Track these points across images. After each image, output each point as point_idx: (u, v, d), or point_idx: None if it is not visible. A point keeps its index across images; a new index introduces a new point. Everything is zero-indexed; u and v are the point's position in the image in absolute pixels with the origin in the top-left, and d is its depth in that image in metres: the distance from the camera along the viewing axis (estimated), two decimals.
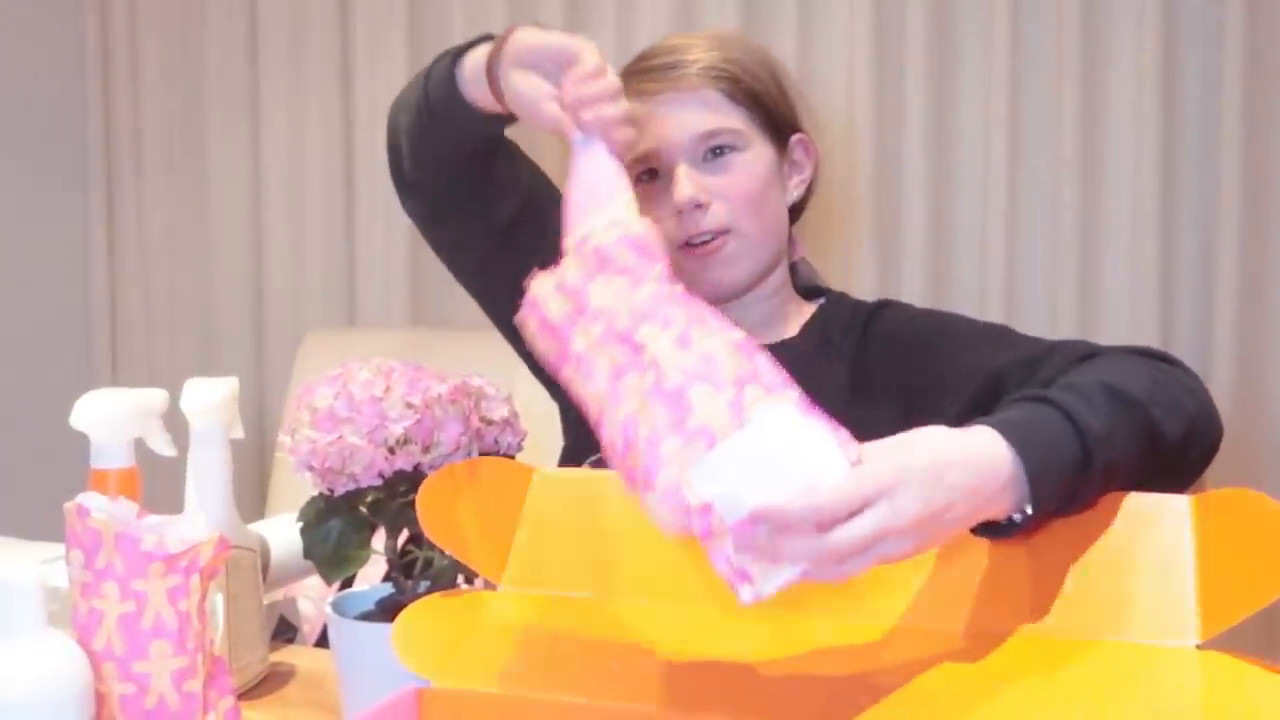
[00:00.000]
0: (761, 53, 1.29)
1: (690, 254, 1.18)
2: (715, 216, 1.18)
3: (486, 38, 1.11)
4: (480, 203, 1.24)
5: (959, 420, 1.10)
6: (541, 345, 0.78)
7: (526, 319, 0.79)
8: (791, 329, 1.26)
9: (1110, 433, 0.81)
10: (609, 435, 0.70)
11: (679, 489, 0.66)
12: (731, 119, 1.21)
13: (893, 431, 1.13)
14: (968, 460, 0.77)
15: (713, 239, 1.18)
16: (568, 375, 0.76)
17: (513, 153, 1.26)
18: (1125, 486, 0.81)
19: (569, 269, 0.80)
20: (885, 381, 1.17)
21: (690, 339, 0.72)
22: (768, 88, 1.25)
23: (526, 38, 1.04)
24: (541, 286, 0.80)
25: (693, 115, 1.20)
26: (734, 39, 1.30)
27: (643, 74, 1.23)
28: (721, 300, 1.23)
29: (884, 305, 1.25)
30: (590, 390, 0.72)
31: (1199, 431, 0.91)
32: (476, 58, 1.09)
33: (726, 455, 0.67)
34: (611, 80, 1.00)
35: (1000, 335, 1.15)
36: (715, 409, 0.68)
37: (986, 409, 1.05)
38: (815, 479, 0.67)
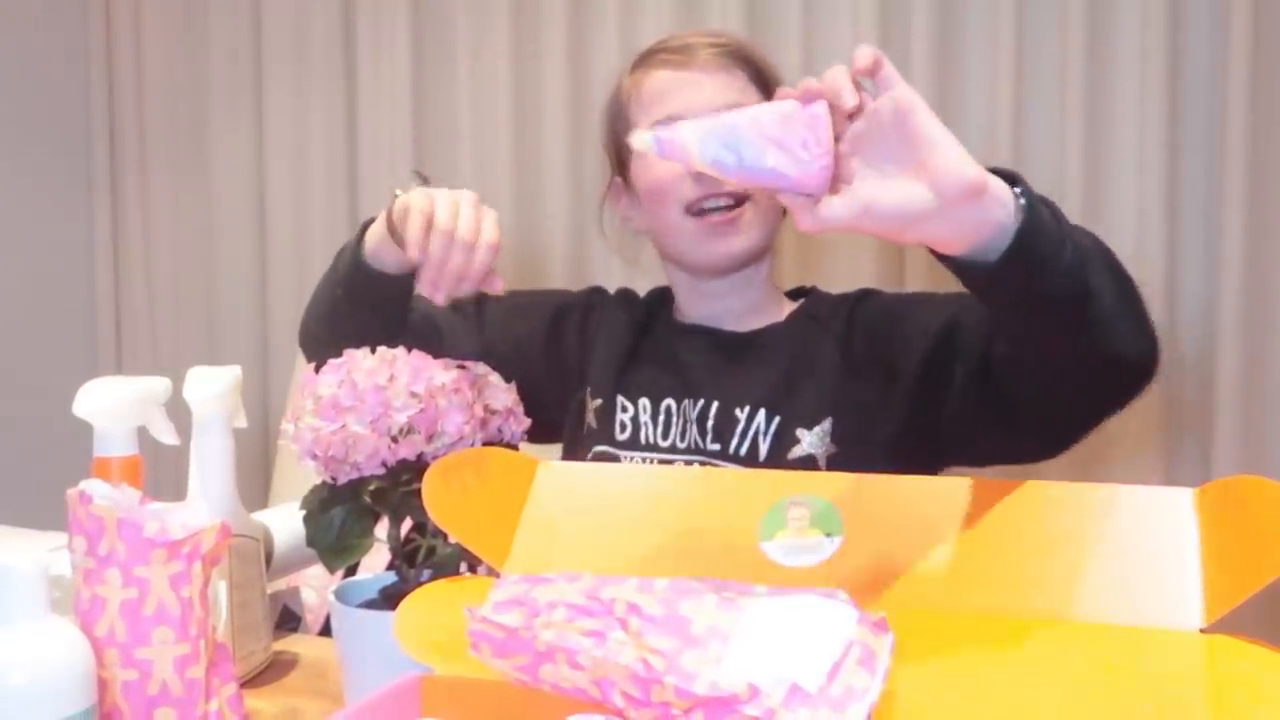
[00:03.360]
0: (770, 58, 1.34)
1: (706, 221, 1.22)
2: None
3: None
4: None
5: (921, 372, 1.15)
6: (510, 664, 0.74)
7: (480, 648, 0.75)
8: (780, 316, 1.30)
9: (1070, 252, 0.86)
10: (623, 690, 0.69)
11: (718, 686, 0.66)
12: (753, 100, 1.24)
13: (879, 401, 1.17)
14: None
15: (733, 206, 1.21)
16: (550, 673, 0.72)
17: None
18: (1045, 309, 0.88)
19: (499, 591, 0.77)
20: (869, 357, 1.23)
21: (650, 583, 0.73)
22: (774, 80, 1.28)
23: (398, 217, 1.09)
24: (481, 612, 0.75)
25: (718, 89, 1.23)
26: (749, 40, 1.35)
27: (666, 50, 1.27)
28: (726, 270, 1.26)
29: (866, 292, 1.30)
30: (584, 664, 0.70)
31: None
32: (375, 240, 1.15)
33: (747, 638, 0.68)
34: (440, 228, 1.04)
35: (962, 295, 1.16)
36: (709, 609, 0.69)
37: (944, 354, 1.09)
38: (823, 633, 0.68)
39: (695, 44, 1.26)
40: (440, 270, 1.04)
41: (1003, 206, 0.82)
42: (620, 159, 1.34)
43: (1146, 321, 0.96)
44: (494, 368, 1.04)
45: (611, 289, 1.44)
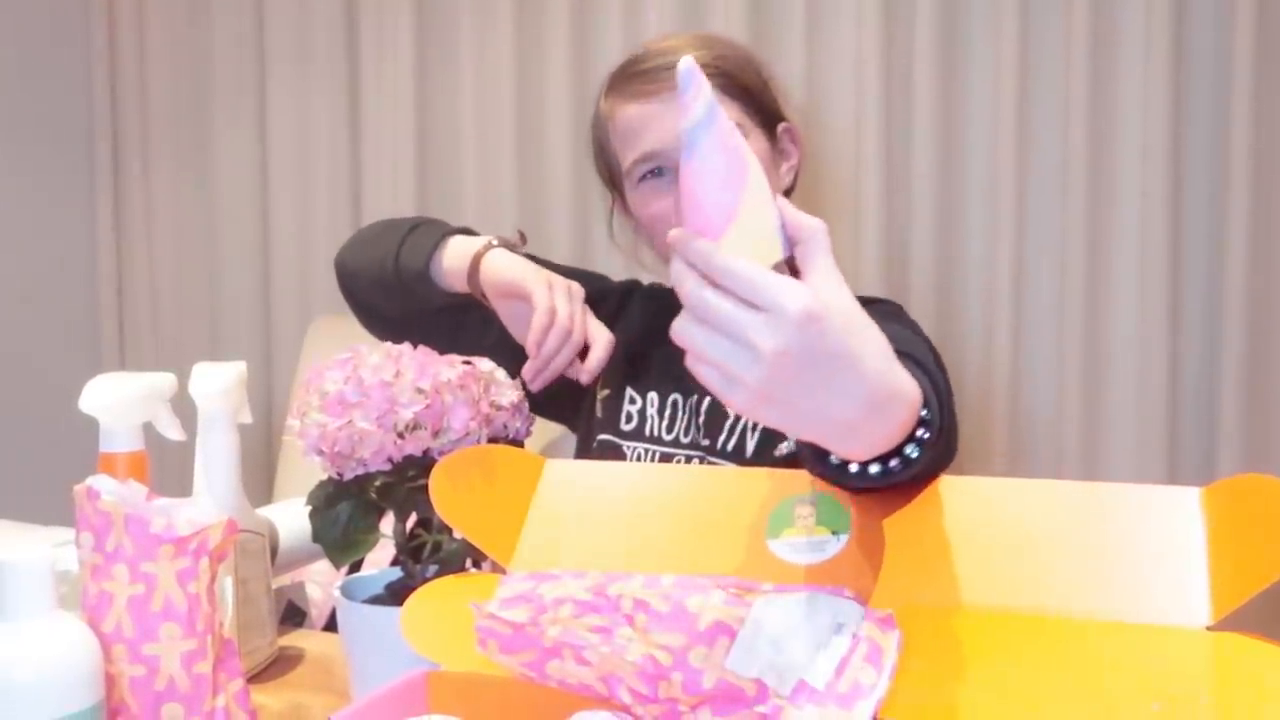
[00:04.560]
0: (745, 49, 1.34)
1: None
2: None
3: (449, 229, 1.25)
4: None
5: None
6: (517, 660, 0.74)
7: (487, 644, 0.75)
8: None
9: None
10: (630, 686, 0.69)
11: (725, 682, 0.66)
12: (729, 111, 1.24)
13: None
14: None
15: None
16: (556, 669, 0.72)
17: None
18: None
19: (506, 588, 0.78)
20: None
21: (656, 579, 0.73)
22: (755, 81, 1.29)
23: (492, 273, 1.17)
24: (488, 608, 0.75)
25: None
26: (718, 38, 1.35)
27: (637, 77, 1.26)
28: None
29: (884, 302, 1.28)
30: (591, 660, 0.70)
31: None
32: (453, 266, 1.21)
33: (753, 635, 0.68)
34: (560, 326, 1.13)
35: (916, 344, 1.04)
36: (716, 606, 0.69)
37: None
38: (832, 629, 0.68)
39: (659, 66, 1.25)
40: (547, 363, 1.14)
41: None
42: (614, 182, 1.34)
43: (949, 447, 0.91)
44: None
45: None
